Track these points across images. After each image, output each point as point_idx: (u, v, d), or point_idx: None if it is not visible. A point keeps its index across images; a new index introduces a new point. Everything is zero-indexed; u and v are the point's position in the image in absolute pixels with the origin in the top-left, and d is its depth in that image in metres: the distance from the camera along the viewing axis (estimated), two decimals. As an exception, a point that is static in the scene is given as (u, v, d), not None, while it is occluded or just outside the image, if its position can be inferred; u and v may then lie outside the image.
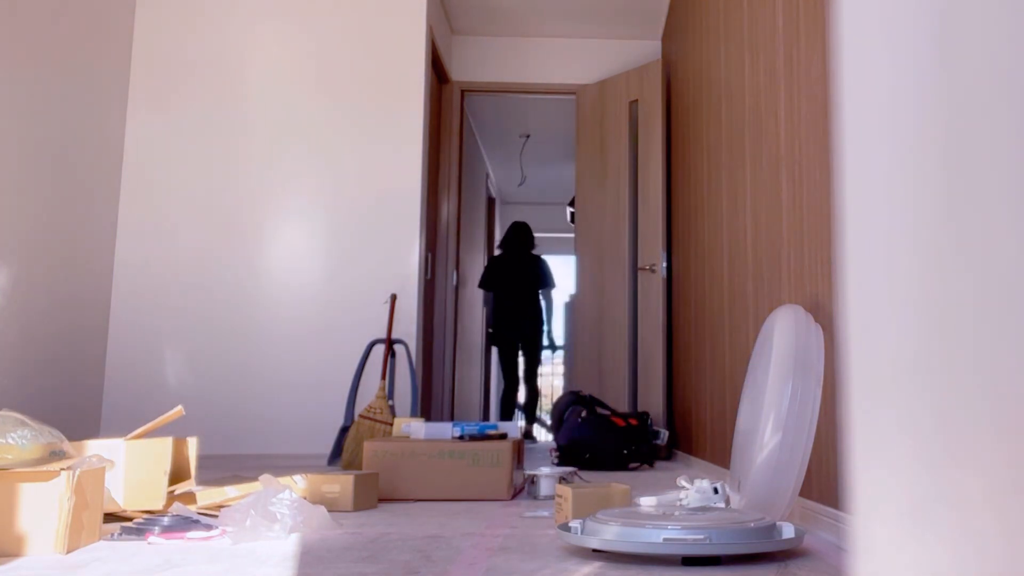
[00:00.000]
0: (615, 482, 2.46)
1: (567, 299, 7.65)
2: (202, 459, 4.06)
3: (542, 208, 10.17)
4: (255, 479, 2.33)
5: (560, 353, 7.84)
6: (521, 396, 6.71)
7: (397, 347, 4.31)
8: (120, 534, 1.84)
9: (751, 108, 2.87)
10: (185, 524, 1.88)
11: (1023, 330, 0.45)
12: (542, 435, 7.12)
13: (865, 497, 0.65)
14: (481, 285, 6.67)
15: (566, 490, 2.12)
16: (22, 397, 3.56)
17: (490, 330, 6.67)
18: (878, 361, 0.63)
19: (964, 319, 0.52)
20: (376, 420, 3.80)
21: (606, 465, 4.06)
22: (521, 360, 6.64)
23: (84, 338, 4.18)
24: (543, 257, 6.69)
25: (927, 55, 0.57)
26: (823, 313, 2.03)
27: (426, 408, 5.05)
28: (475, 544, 1.83)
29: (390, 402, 3.91)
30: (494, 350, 7.55)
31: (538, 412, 6.88)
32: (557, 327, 7.54)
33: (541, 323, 6.57)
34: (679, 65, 4.83)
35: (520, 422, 6.79)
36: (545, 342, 6.70)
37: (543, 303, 6.60)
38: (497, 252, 7.36)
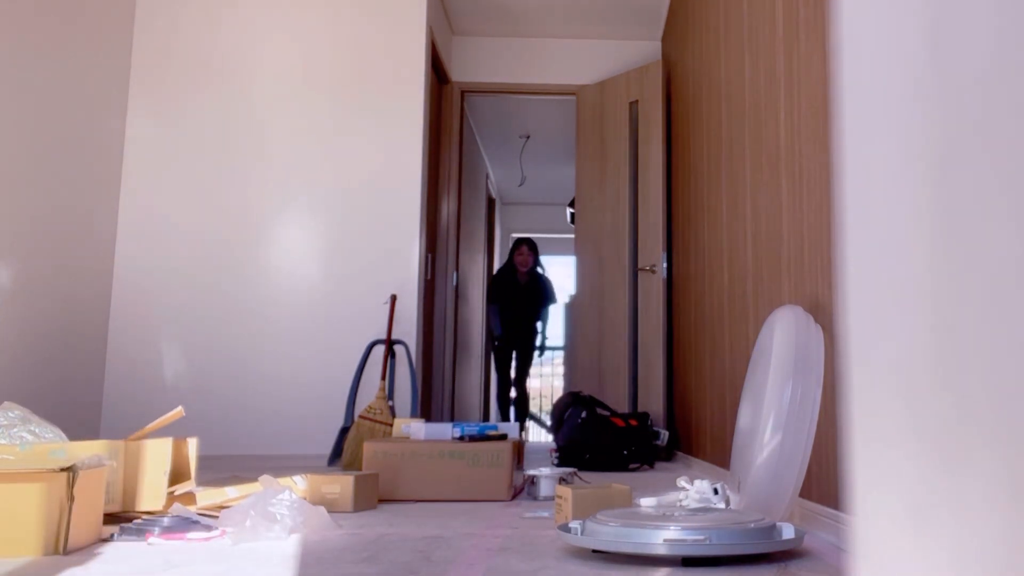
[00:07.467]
0: (615, 483, 2.46)
1: (567, 299, 7.68)
2: (202, 459, 4.05)
3: (542, 208, 10.16)
4: (255, 479, 2.33)
5: (551, 354, 8.34)
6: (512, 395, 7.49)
7: (397, 347, 4.30)
8: (120, 534, 1.84)
9: (751, 108, 2.87)
10: (185, 525, 1.88)
11: (1023, 330, 0.45)
12: (532, 435, 7.54)
13: (865, 498, 0.65)
14: (490, 301, 7.26)
15: (566, 491, 2.12)
16: (22, 397, 3.56)
17: (496, 343, 7.28)
18: (878, 361, 0.63)
19: (964, 319, 0.52)
20: (376, 421, 3.80)
21: (606, 466, 4.06)
22: (514, 365, 7.35)
23: (84, 338, 4.18)
24: (546, 275, 7.36)
25: (926, 55, 0.57)
26: (823, 313, 2.03)
27: (426, 408, 5.05)
28: (475, 544, 1.83)
29: (390, 402, 3.90)
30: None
31: (538, 413, 7.14)
32: (555, 329, 7.95)
33: (537, 334, 7.35)
34: (679, 65, 4.83)
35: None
36: (538, 349, 7.45)
37: (542, 317, 7.39)
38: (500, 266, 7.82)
